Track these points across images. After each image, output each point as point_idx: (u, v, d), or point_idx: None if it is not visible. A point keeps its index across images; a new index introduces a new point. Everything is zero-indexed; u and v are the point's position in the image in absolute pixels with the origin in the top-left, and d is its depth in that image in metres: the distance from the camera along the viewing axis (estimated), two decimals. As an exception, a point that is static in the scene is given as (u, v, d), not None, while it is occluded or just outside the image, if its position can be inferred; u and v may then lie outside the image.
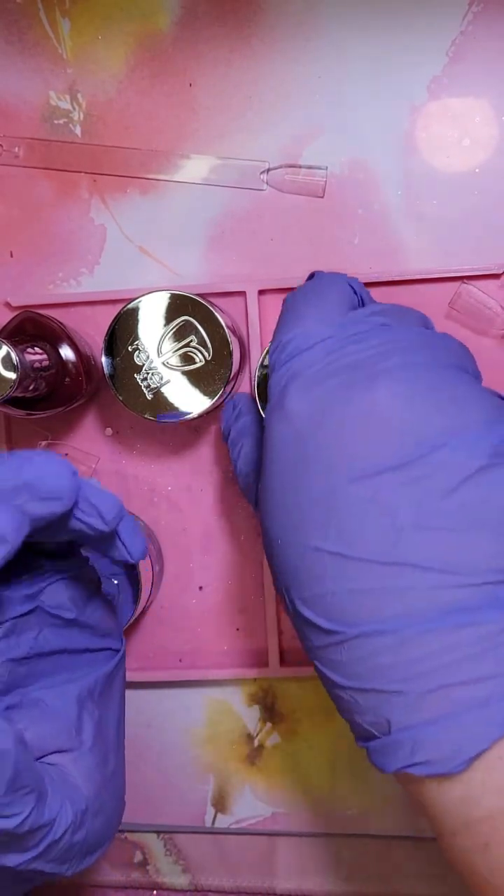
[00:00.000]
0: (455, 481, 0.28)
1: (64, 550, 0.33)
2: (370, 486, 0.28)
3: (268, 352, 0.39)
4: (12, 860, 0.27)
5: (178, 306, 0.40)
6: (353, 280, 0.35)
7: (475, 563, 0.27)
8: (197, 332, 0.40)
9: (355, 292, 0.35)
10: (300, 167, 0.43)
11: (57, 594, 0.32)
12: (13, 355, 0.36)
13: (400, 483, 0.28)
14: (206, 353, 0.40)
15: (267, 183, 0.43)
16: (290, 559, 0.30)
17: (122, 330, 0.40)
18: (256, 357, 0.42)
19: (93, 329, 0.43)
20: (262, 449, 0.32)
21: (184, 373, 0.40)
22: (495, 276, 0.41)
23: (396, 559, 0.28)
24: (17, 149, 0.44)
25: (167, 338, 0.40)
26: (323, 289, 0.34)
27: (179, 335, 0.40)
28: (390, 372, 0.30)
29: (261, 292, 0.43)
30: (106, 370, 0.40)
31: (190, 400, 0.40)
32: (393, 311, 0.33)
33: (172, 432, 0.45)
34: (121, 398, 0.40)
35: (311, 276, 0.36)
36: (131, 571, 0.42)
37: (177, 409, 0.40)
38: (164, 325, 0.40)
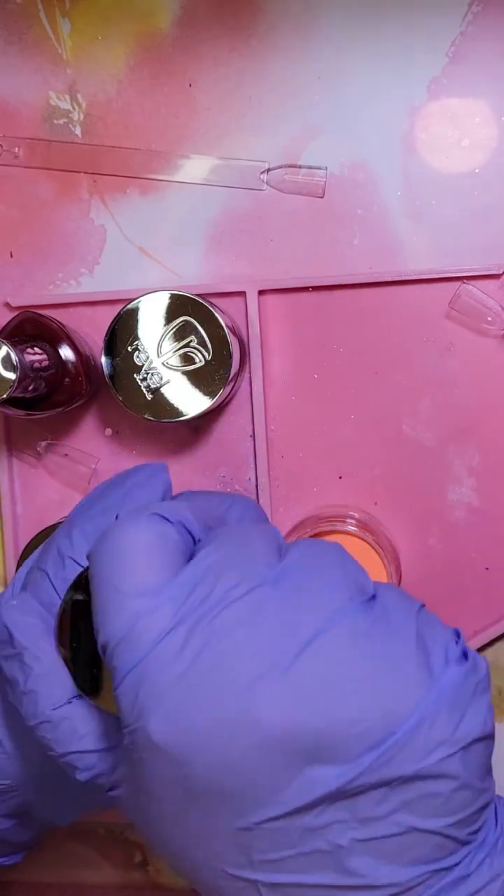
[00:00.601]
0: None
1: None
2: (288, 822, 0.26)
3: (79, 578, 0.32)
4: None
5: (178, 306, 0.40)
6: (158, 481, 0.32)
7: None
8: (197, 333, 0.40)
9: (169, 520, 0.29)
10: (300, 167, 0.43)
11: None
12: (13, 355, 0.36)
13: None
14: (205, 354, 0.40)
15: (267, 183, 0.43)
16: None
17: (122, 330, 0.40)
18: (256, 357, 0.42)
19: (92, 329, 0.43)
20: (132, 784, 0.29)
21: (184, 373, 0.40)
22: (495, 277, 0.41)
23: None
24: (16, 149, 0.44)
25: (167, 338, 0.40)
26: (133, 540, 0.28)
27: (179, 335, 0.40)
28: (269, 680, 0.26)
29: (261, 292, 0.43)
30: (105, 370, 0.40)
31: (190, 400, 0.40)
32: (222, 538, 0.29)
33: (172, 433, 0.45)
34: (120, 398, 0.40)
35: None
36: None
37: (176, 409, 0.40)
38: (164, 326, 0.40)
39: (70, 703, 0.30)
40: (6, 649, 0.31)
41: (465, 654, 0.28)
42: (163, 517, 0.29)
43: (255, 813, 0.26)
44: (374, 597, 0.28)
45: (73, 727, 0.29)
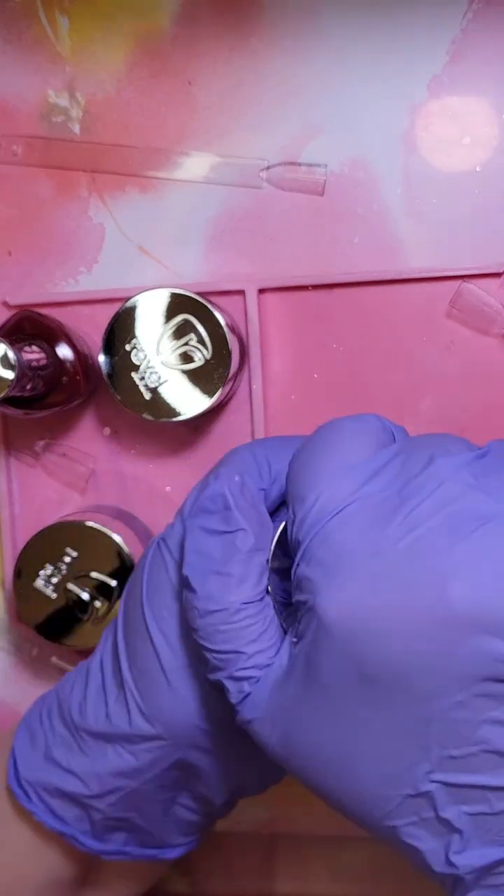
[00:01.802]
0: None
1: None
2: (470, 707, 0.24)
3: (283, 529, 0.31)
4: None
5: (177, 305, 0.39)
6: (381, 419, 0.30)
7: None
8: (196, 331, 0.39)
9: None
10: (300, 165, 0.42)
11: None
12: (11, 354, 0.36)
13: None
14: (205, 352, 0.39)
15: (267, 181, 0.43)
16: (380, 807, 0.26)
17: (121, 329, 0.40)
18: (256, 356, 0.42)
19: (91, 328, 0.43)
20: (293, 689, 0.27)
21: (182, 372, 0.40)
22: (496, 275, 0.41)
23: None
24: (15, 147, 0.44)
25: (166, 336, 0.40)
26: (344, 435, 0.29)
27: (178, 334, 0.40)
28: (460, 557, 0.24)
29: (260, 291, 0.42)
30: (104, 369, 0.40)
31: (189, 399, 0.40)
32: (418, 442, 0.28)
33: (171, 432, 0.44)
34: (119, 398, 0.40)
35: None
36: None
37: (175, 408, 0.40)
38: (163, 324, 0.40)
39: (261, 599, 0.28)
40: (214, 521, 0.29)
41: None
42: (379, 417, 0.29)
43: (437, 698, 0.24)
44: None
45: (251, 625, 0.28)
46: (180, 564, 0.31)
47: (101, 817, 0.34)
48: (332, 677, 0.25)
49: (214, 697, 0.31)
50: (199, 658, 0.31)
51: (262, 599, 0.28)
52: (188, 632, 0.30)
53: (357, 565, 0.25)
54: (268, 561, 0.29)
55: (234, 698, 0.28)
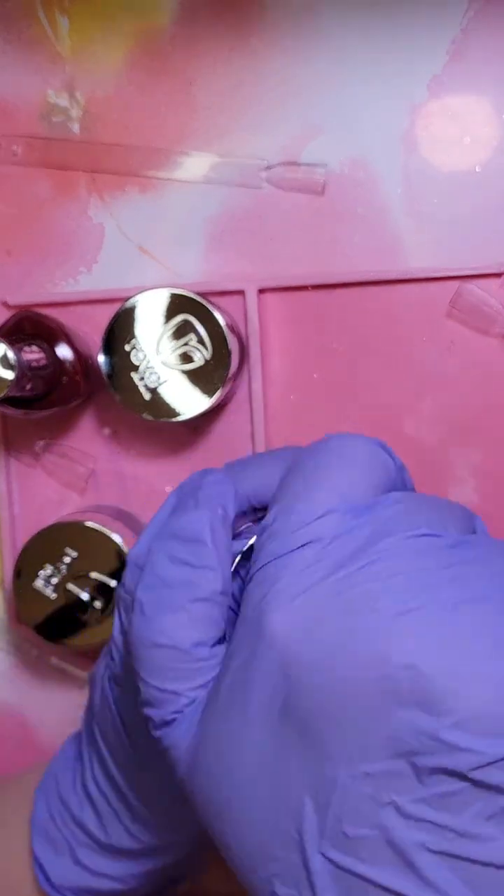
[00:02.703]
0: None
1: None
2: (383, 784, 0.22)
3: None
4: None
5: (177, 305, 0.39)
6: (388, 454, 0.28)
7: None
8: (196, 331, 0.39)
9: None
10: (299, 165, 0.42)
11: None
12: (11, 354, 0.36)
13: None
14: (204, 353, 0.39)
15: (267, 181, 0.43)
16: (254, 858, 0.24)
17: (121, 329, 0.40)
18: (256, 356, 0.42)
19: (91, 328, 0.43)
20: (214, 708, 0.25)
21: (182, 372, 0.40)
22: (496, 276, 0.41)
23: None
24: (15, 147, 0.44)
25: (165, 337, 0.40)
26: (356, 447, 0.27)
27: (178, 334, 0.39)
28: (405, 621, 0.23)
29: (260, 291, 0.42)
30: (104, 369, 0.40)
31: (188, 400, 0.40)
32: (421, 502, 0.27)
33: (171, 432, 0.44)
34: (119, 398, 0.40)
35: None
36: None
37: (175, 408, 0.40)
38: (163, 324, 0.40)
39: (215, 644, 0.27)
40: (185, 552, 0.27)
41: None
42: (384, 448, 0.28)
43: (349, 761, 0.22)
44: None
45: (199, 668, 0.26)
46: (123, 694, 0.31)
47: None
48: (258, 696, 0.24)
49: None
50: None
51: (217, 644, 0.27)
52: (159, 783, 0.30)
53: (314, 596, 0.24)
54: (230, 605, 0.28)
55: (155, 727, 0.27)
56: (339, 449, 0.28)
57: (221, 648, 0.27)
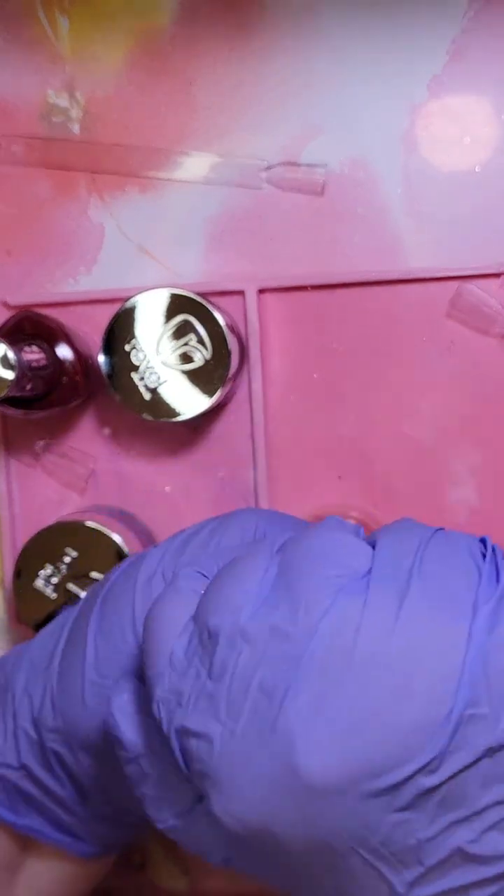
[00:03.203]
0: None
1: None
2: None
3: None
4: None
5: (177, 305, 0.39)
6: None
7: None
8: (195, 332, 0.39)
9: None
10: (299, 165, 0.42)
11: None
12: (11, 354, 0.36)
13: None
14: (204, 353, 0.39)
15: (266, 181, 0.43)
16: None
17: (121, 329, 0.40)
18: (255, 356, 0.42)
19: (91, 328, 0.43)
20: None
21: (182, 372, 0.40)
22: (496, 276, 0.41)
23: None
24: (15, 147, 0.44)
25: (165, 337, 0.40)
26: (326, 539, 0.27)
27: (178, 334, 0.40)
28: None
29: (260, 291, 0.42)
30: (104, 369, 0.40)
31: (188, 400, 0.40)
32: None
33: (171, 432, 0.44)
34: (119, 398, 0.40)
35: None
36: None
37: (175, 409, 0.40)
38: (163, 324, 0.40)
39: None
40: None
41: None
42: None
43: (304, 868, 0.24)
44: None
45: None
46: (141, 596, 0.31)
47: (16, 790, 0.34)
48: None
49: None
50: (114, 679, 0.31)
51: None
52: (120, 654, 0.31)
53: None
54: None
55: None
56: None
57: None
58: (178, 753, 0.25)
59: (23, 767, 0.34)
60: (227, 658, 0.24)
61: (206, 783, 0.24)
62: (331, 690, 0.23)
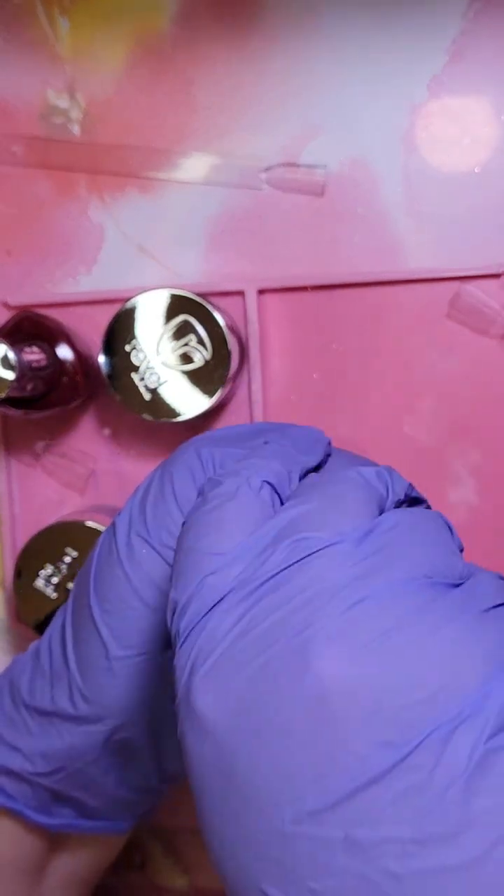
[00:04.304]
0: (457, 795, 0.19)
1: None
2: (332, 822, 0.20)
3: None
4: None
5: (177, 306, 0.39)
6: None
7: None
8: (195, 332, 0.39)
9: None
10: (299, 166, 0.42)
11: None
12: (11, 355, 0.36)
13: (384, 803, 0.20)
14: (204, 353, 0.39)
15: (266, 182, 0.43)
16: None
17: (121, 329, 0.40)
18: (255, 357, 0.42)
19: (91, 329, 0.43)
20: (183, 760, 0.24)
21: (182, 372, 0.40)
22: (495, 276, 0.41)
23: None
24: (15, 147, 0.44)
25: (166, 337, 0.40)
26: (241, 497, 0.26)
27: (178, 335, 0.40)
28: (326, 631, 0.21)
29: (260, 292, 0.42)
30: (104, 370, 0.40)
31: (188, 400, 0.40)
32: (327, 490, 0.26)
33: (171, 432, 0.44)
34: (119, 398, 0.40)
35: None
36: None
37: (175, 409, 0.40)
38: (163, 325, 0.40)
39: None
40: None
41: None
42: (248, 482, 0.27)
43: (294, 805, 0.21)
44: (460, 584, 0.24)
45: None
46: (127, 556, 0.32)
47: (46, 794, 0.34)
48: (201, 771, 0.22)
49: (154, 683, 0.32)
50: (139, 647, 0.32)
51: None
52: (132, 622, 0.31)
53: (225, 653, 0.22)
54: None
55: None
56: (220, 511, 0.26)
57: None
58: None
59: (54, 772, 0.34)
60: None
61: (199, 667, 0.23)
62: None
